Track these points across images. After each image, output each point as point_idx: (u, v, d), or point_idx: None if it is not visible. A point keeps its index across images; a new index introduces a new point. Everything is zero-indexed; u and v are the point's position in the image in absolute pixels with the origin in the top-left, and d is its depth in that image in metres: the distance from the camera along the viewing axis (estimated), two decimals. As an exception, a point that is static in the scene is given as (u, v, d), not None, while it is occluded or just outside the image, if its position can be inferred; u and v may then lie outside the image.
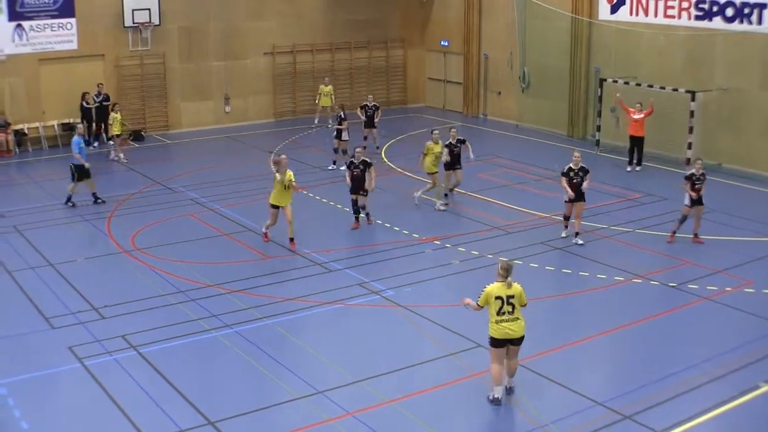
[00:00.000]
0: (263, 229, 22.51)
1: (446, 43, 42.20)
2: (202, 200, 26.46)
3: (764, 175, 28.30)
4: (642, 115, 29.76)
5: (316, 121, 38.14)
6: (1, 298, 19.06)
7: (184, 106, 37.47)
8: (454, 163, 25.59)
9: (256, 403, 14.39)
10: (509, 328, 13.90)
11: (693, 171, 22.32)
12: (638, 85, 31.91)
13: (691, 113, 30.36)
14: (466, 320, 17.26)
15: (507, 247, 21.99)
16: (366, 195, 23.56)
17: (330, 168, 30.10)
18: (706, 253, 21.85)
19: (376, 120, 32.79)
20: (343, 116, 30.37)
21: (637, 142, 30.25)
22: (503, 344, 14.04)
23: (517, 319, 13.97)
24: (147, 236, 23.15)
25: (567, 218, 22.73)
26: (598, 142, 33.83)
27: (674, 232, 22.62)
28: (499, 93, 40.13)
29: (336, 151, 30.46)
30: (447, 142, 25.35)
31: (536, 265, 20.89)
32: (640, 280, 20.03)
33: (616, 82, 32.80)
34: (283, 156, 22.25)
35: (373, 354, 16.38)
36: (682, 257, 21.53)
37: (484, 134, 36.66)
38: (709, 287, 19.48)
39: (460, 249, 22.04)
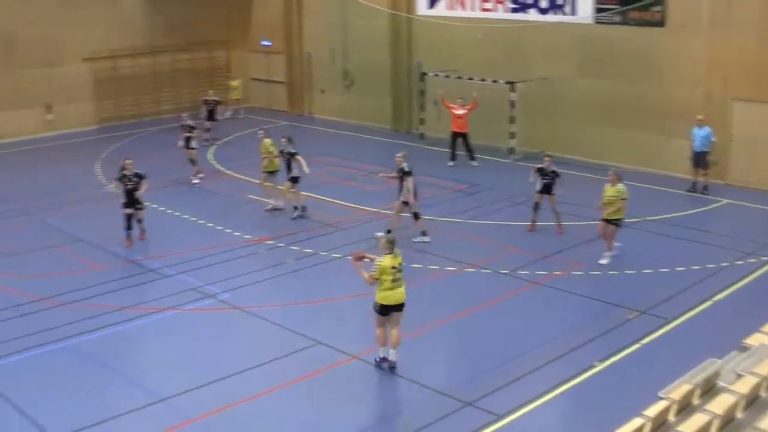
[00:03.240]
0: None
1: (269, 43, 42.02)
2: (31, 211, 25.72)
3: (582, 160, 29.26)
4: (465, 111, 30.08)
5: (228, 114, 39.54)
6: None
7: (2, 116, 36.00)
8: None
9: (96, 416, 13.99)
10: (399, 293, 14.95)
11: (543, 165, 22.85)
12: (459, 78, 32.55)
13: (512, 103, 31.15)
14: (304, 319, 17.47)
15: (339, 244, 22.10)
16: (143, 209, 22.77)
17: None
18: (533, 240, 22.51)
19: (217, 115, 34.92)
20: (191, 124, 29.01)
21: (462, 137, 30.47)
22: (389, 311, 15.00)
23: (403, 283, 15.06)
24: (-29, 252, 22.28)
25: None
26: (422, 135, 34.39)
27: (534, 222, 23.09)
28: (323, 91, 40.34)
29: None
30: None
31: (369, 260, 20.99)
32: (472, 269, 20.45)
33: (437, 75, 33.38)
34: None
35: (213, 358, 16.18)
36: (510, 245, 22.10)
37: (311, 132, 36.72)
38: (538, 272, 20.08)
39: (293, 248, 22.01)
